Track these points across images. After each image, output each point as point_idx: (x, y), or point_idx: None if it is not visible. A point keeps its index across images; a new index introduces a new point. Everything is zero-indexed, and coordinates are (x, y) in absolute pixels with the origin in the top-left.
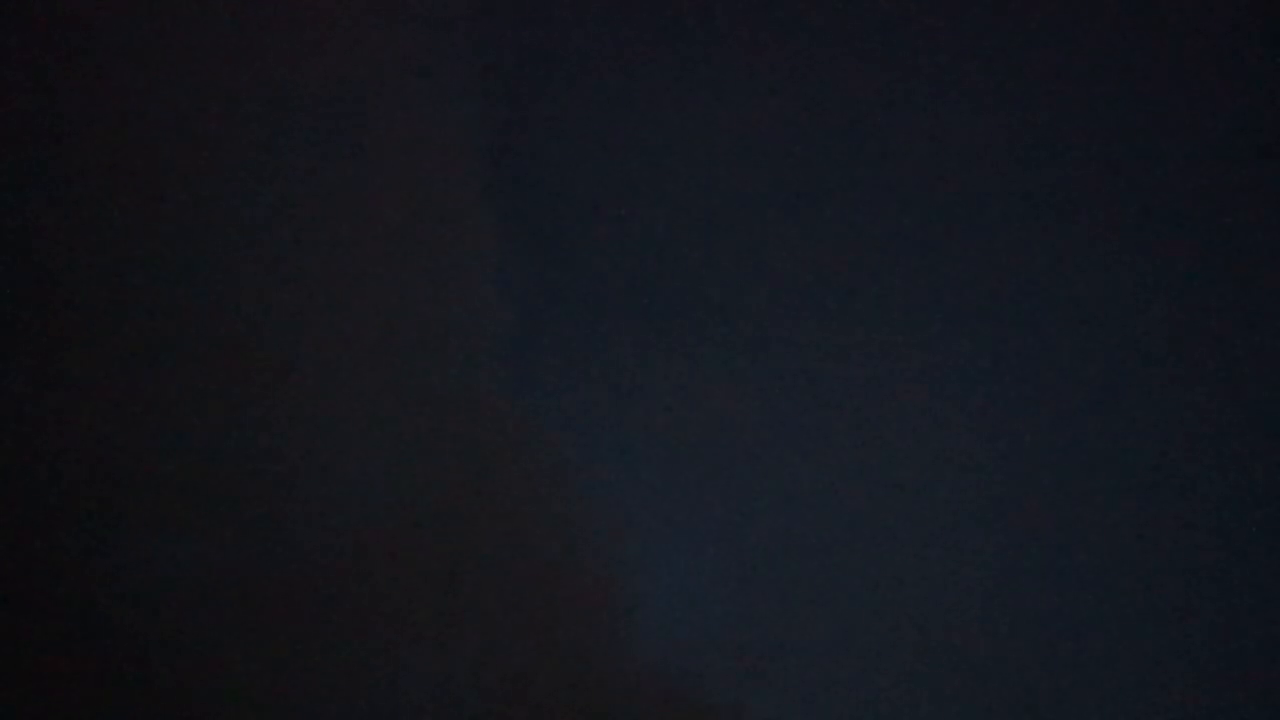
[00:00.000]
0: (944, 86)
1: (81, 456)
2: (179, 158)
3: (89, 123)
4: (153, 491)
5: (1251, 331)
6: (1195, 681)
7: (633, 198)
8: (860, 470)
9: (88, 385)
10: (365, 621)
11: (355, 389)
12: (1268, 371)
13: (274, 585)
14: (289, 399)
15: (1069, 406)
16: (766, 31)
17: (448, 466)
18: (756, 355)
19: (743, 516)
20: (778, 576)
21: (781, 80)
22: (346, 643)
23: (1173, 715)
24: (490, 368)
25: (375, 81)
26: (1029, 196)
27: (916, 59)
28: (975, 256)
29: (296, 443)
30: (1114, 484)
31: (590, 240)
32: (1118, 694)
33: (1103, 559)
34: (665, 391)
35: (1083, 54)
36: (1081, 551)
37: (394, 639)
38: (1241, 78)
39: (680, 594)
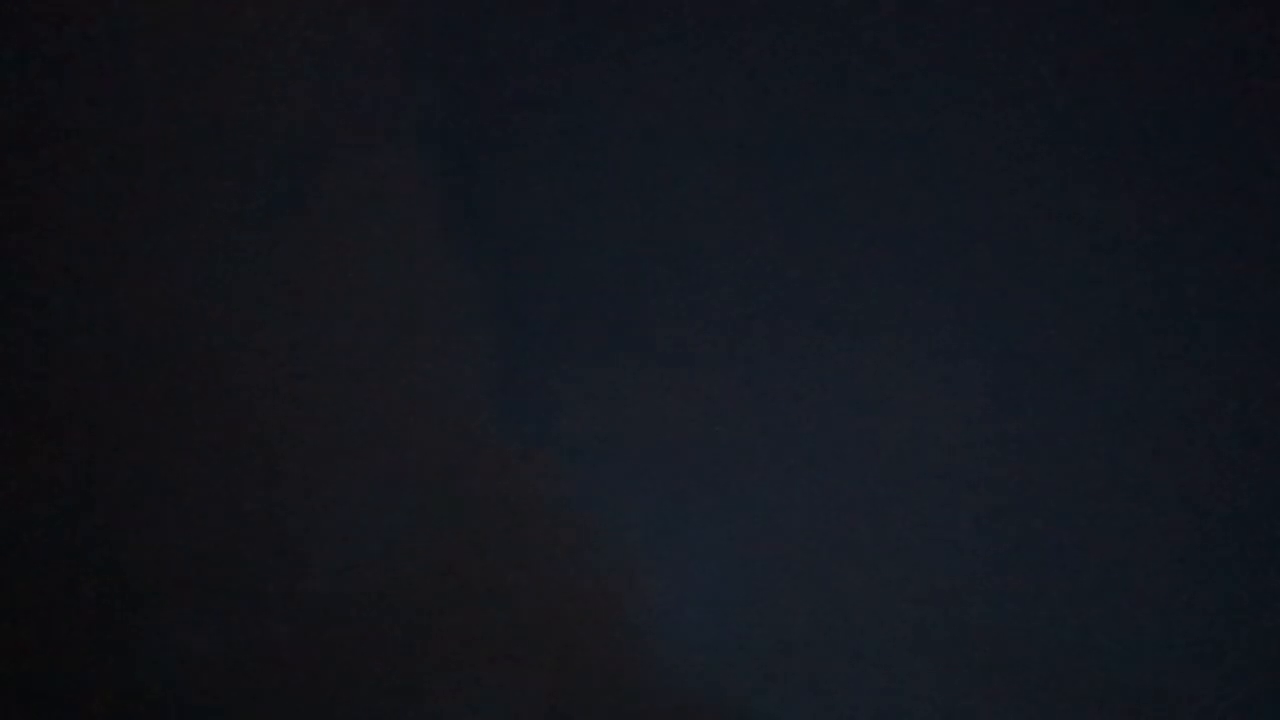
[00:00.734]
0: (932, 81)
1: (96, 542)
2: (144, 214)
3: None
4: (167, 574)
5: (1253, 329)
6: (1202, 688)
7: (601, 209)
8: (863, 469)
9: (98, 469)
10: (389, 679)
11: (350, 449)
12: (1268, 369)
13: (293, 654)
14: (290, 469)
15: (1075, 407)
16: (724, 42)
17: (452, 514)
18: (749, 358)
19: (748, 522)
20: (789, 580)
21: (751, 83)
22: (372, 704)
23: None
24: (476, 403)
25: (330, 122)
26: (1026, 194)
27: (897, 51)
28: (974, 254)
29: (302, 511)
30: (1123, 487)
31: (560, 257)
32: (1124, 692)
33: (1113, 562)
34: (656, 400)
35: (1083, 52)
36: (1092, 553)
37: (419, 691)
38: (1242, 77)
39: (692, 604)
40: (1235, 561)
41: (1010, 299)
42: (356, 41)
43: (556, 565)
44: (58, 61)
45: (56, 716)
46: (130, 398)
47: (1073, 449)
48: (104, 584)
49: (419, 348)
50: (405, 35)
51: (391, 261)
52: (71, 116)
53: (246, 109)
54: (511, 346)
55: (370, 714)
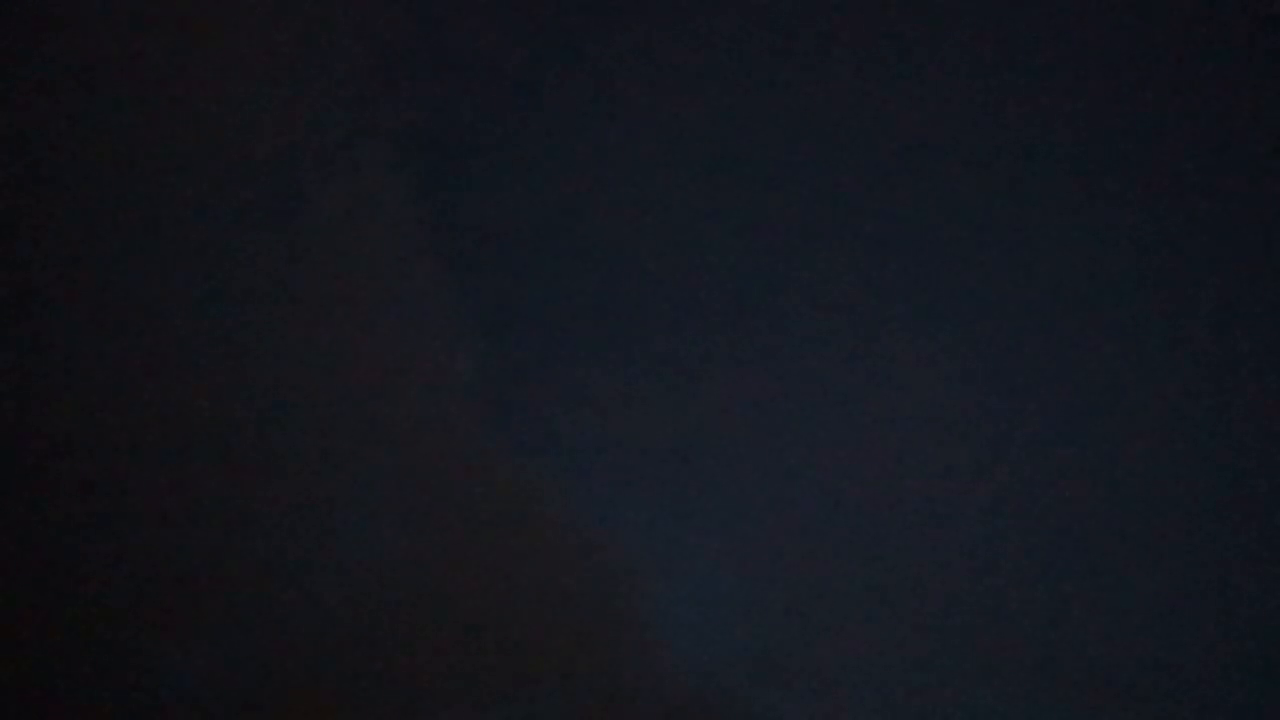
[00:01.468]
0: (928, 76)
1: (89, 553)
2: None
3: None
4: (158, 598)
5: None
6: (1199, 684)
7: (589, 211)
8: (858, 467)
9: (90, 478)
10: (387, 688)
11: (341, 457)
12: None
13: (288, 664)
14: (282, 477)
15: (1070, 405)
16: (709, 44)
17: (446, 520)
18: (743, 359)
19: (744, 523)
20: (786, 581)
21: (740, 82)
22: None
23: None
24: (468, 409)
25: (314, 129)
26: (1024, 190)
27: (887, 47)
28: (967, 251)
29: (295, 520)
30: (1121, 480)
31: (549, 261)
32: (1124, 688)
33: (1113, 557)
34: (649, 403)
35: (1083, 50)
36: (1092, 549)
37: (416, 699)
38: (1242, 77)
39: (689, 605)
40: (1234, 558)
41: (1006, 293)
42: (339, 49)
43: (552, 568)
44: (41, 72)
45: None
46: (120, 407)
47: (1069, 447)
48: (98, 595)
49: (409, 354)
50: (388, 42)
51: (379, 268)
52: (55, 125)
53: (229, 117)
54: (502, 351)
55: None
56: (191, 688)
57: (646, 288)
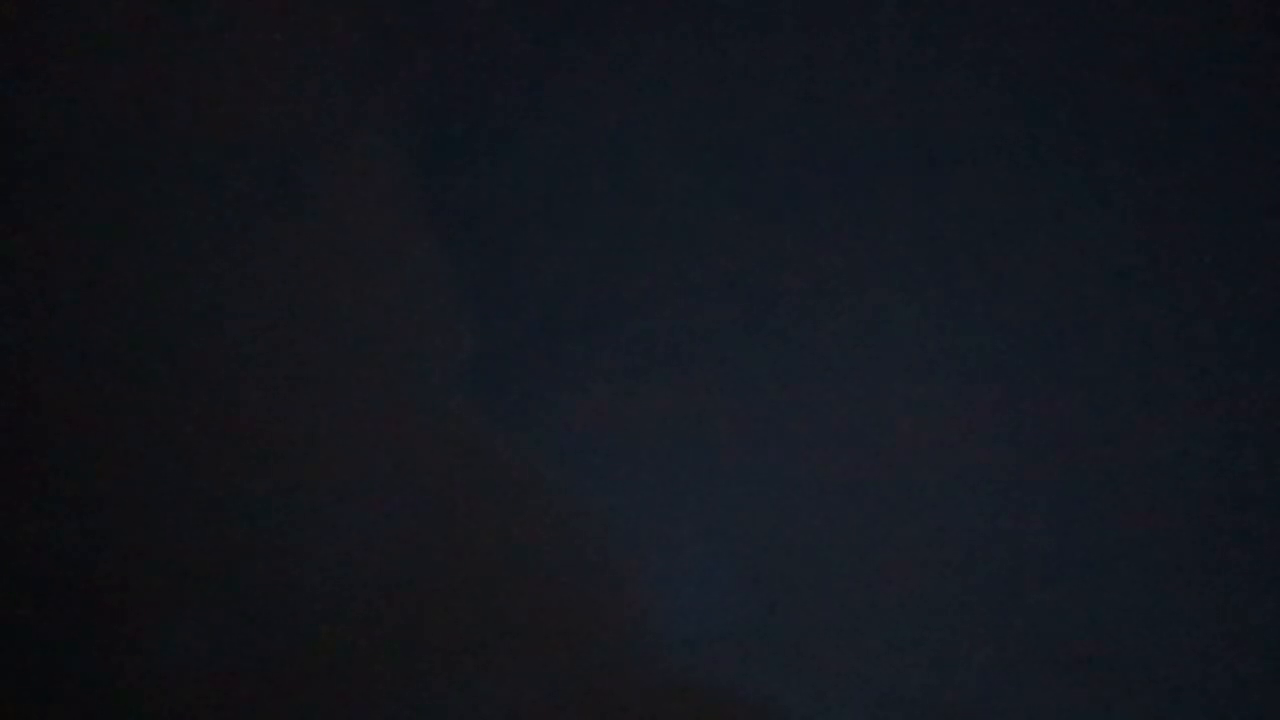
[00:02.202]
0: (925, 72)
1: (86, 543)
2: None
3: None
4: (156, 573)
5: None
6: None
7: (583, 198)
8: (857, 450)
9: (86, 469)
10: (385, 674)
11: (336, 445)
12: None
13: (284, 652)
14: (277, 466)
15: (1074, 395)
16: (707, 30)
17: (442, 507)
18: (740, 346)
19: (742, 510)
20: (784, 567)
21: (739, 70)
22: (365, 701)
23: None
24: (465, 405)
25: (309, 118)
26: (1022, 186)
27: (884, 42)
28: (961, 245)
29: (291, 509)
30: (1125, 473)
31: (543, 248)
32: (1120, 672)
33: (1105, 543)
34: (645, 390)
35: (1083, 49)
36: (1088, 537)
37: (414, 686)
38: (1243, 77)
39: (687, 591)
40: (1233, 546)
41: (1001, 286)
42: (335, 31)
43: (547, 549)
44: (34, 55)
45: (49, 716)
46: (113, 396)
47: (1064, 436)
48: (95, 584)
49: (404, 342)
50: (385, 24)
51: (375, 250)
52: (46, 109)
53: (225, 100)
54: (498, 333)
55: (367, 709)
56: (184, 666)
57: (643, 270)
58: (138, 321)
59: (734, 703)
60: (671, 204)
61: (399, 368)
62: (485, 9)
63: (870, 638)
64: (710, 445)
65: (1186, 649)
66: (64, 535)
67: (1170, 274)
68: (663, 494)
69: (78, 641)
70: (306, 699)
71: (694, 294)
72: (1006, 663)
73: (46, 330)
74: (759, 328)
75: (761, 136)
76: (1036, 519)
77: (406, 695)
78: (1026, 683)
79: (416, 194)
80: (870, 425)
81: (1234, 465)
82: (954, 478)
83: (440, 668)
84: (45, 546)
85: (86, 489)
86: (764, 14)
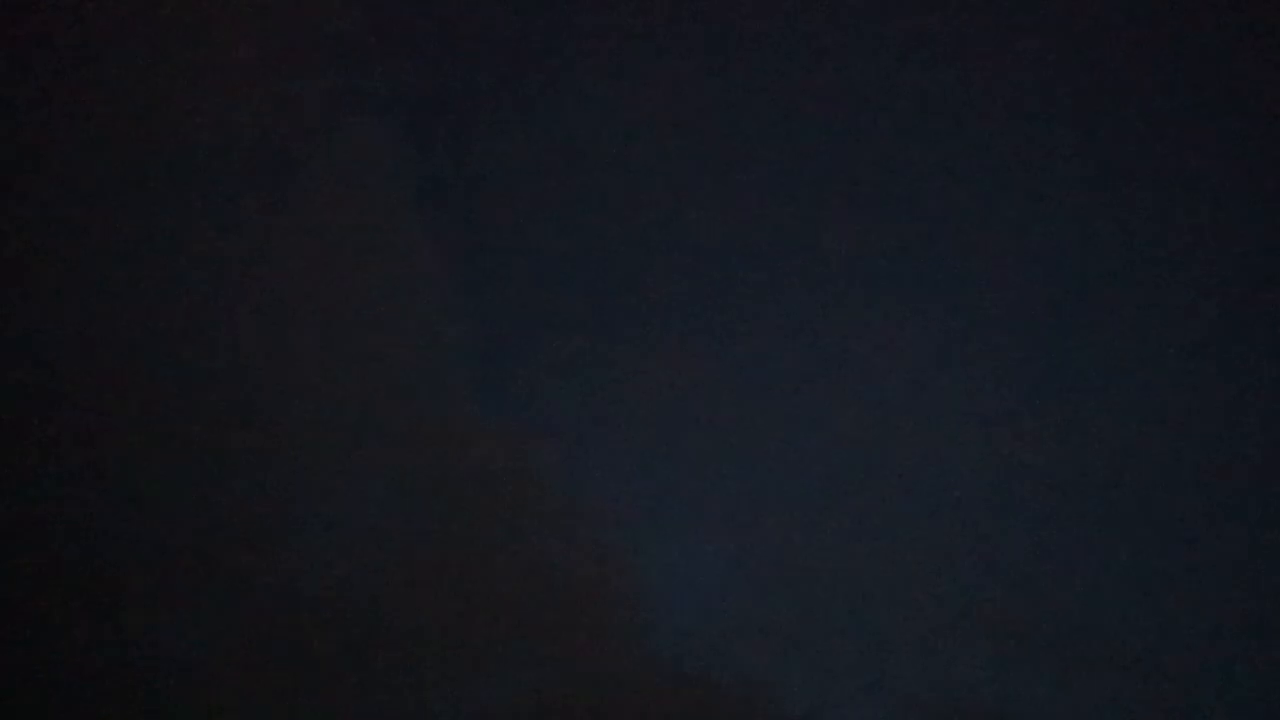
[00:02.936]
0: (924, 67)
1: (78, 539)
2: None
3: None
4: (151, 569)
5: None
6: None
7: (581, 187)
8: (856, 438)
9: (79, 464)
10: (381, 666)
11: (332, 438)
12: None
13: (278, 647)
14: (272, 459)
15: (1075, 389)
16: (704, 21)
17: (438, 500)
18: (739, 335)
19: (739, 499)
20: (781, 557)
21: (738, 59)
22: (364, 694)
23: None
24: (461, 395)
25: (305, 106)
26: (1023, 181)
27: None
28: (958, 239)
29: (281, 503)
30: (1125, 470)
31: (541, 236)
32: (1121, 658)
33: (1102, 531)
34: (643, 380)
35: (1085, 42)
36: (1084, 526)
37: (411, 681)
38: (1243, 77)
39: (684, 582)
40: (1233, 540)
41: (1001, 282)
42: (326, 12)
43: (542, 538)
44: (18, 41)
45: (41, 713)
46: (107, 394)
47: (1065, 430)
48: (87, 580)
49: (400, 333)
50: (375, 4)
51: (367, 236)
52: (42, 112)
53: (215, 83)
54: (493, 320)
55: (365, 703)
56: (181, 657)
57: (640, 257)
58: (131, 319)
59: (731, 693)
60: (670, 196)
61: (394, 362)
62: None
63: (867, 628)
64: (708, 438)
65: (1188, 648)
66: (60, 535)
67: (1170, 274)
68: (660, 486)
69: (75, 640)
70: (305, 696)
71: (692, 287)
72: (1003, 653)
73: (39, 327)
74: (756, 320)
75: (761, 125)
76: (1036, 510)
77: (405, 688)
78: (1023, 673)
79: (412, 187)
80: (868, 416)
81: (1234, 465)
82: (952, 469)
83: (438, 662)
84: (40, 546)
85: (82, 486)
86: (765, 6)
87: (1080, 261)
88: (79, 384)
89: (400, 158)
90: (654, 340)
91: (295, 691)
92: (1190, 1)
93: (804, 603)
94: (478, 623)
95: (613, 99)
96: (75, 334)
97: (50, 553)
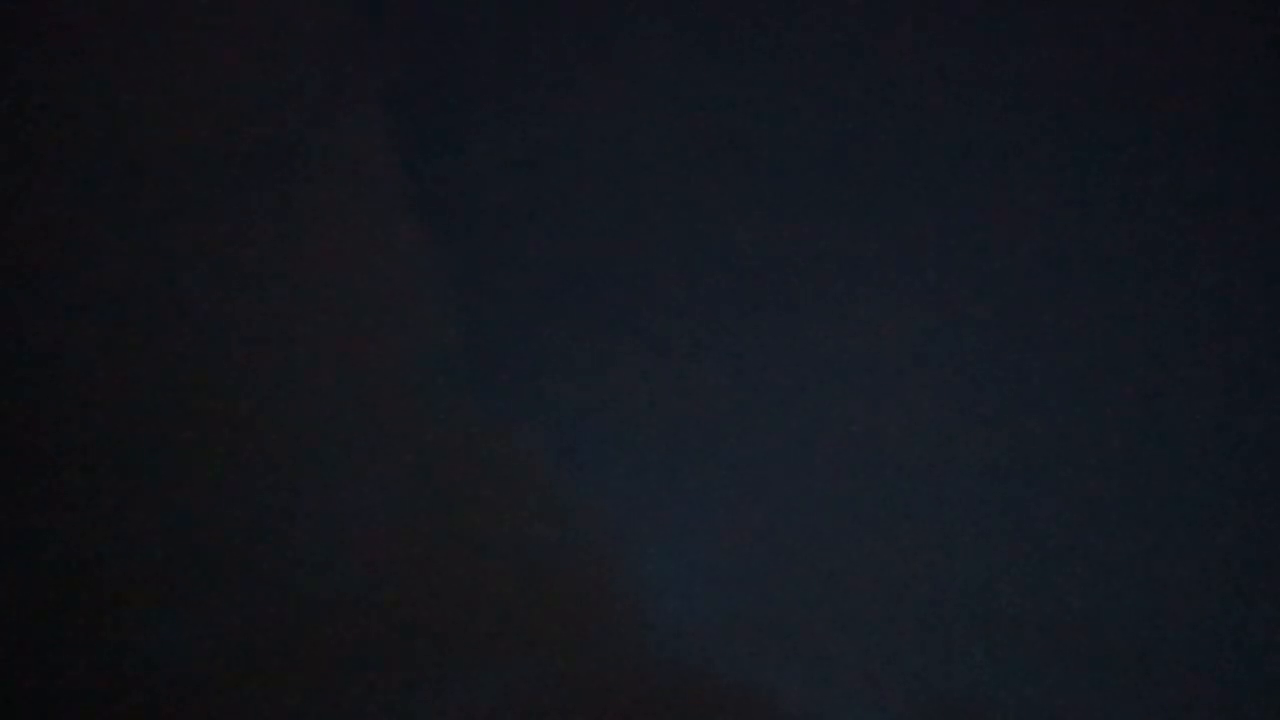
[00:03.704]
0: (923, 66)
1: (75, 540)
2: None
3: None
4: (147, 570)
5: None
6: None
7: (579, 183)
8: (853, 436)
9: (76, 465)
10: (378, 674)
11: (329, 436)
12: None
13: (277, 649)
14: (269, 458)
15: (1075, 388)
16: (692, 30)
17: (436, 497)
18: (736, 332)
19: (736, 495)
20: (779, 553)
21: (736, 58)
22: (358, 692)
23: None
24: (457, 394)
25: (296, 101)
26: (1024, 181)
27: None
28: (956, 239)
29: (277, 502)
30: (1125, 468)
31: (538, 233)
32: (1116, 655)
33: (1097, 528)
34: (641, 377)
35: (1084, 42)
36: (1078, 521)
37: (405, 679)
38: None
39: (682, 578)
40: (1234, 540)
41: (999, 279)
42: (324, 21)
43: (538, 537)
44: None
45: (37, 715)
46: (102, 392)
47: (1061, 426)
48: (84, 581)
49: (395, 332)
50: (372, 13)
51: (360, 232)
52: (33, 108)
53: (206, 76)
54: (488, 317)
55: (359, 701)
56: (179, 658)
57: (636, 254)
58: (124, 319)
59: (728, 692)
60: (668, 194)
61: (390, 361)
62: None
63: (867, 627)
64: (706, 436)
65: (1188, 648)
66: (54, 534)
67: (1170, 274)
68: (658, 485)
69: (72, 642)
70: (300, 695)
71: (690, 285)
72: (1003, 653)
73: (34, 329)
74: (755, 318)
75: (760, 123)
76: (1036, 510)
77: (399, 686)
78: (1023, 671)
79: (407, 185)
80: (867, 415)
81: (1235, 465)
82: (952, 468)
83: (432, 660)
84: (37, 547)
85: (78, 487)
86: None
87: (1081, 262)
88: (75, 385)
89: (396, 154)
90: (652, 338)
91: (291, 691)
92: (1191, 2)
93: (802, 601)
94: (474, 621)
95: (611, 95)
96: (69, 336)
97: (49, 555)
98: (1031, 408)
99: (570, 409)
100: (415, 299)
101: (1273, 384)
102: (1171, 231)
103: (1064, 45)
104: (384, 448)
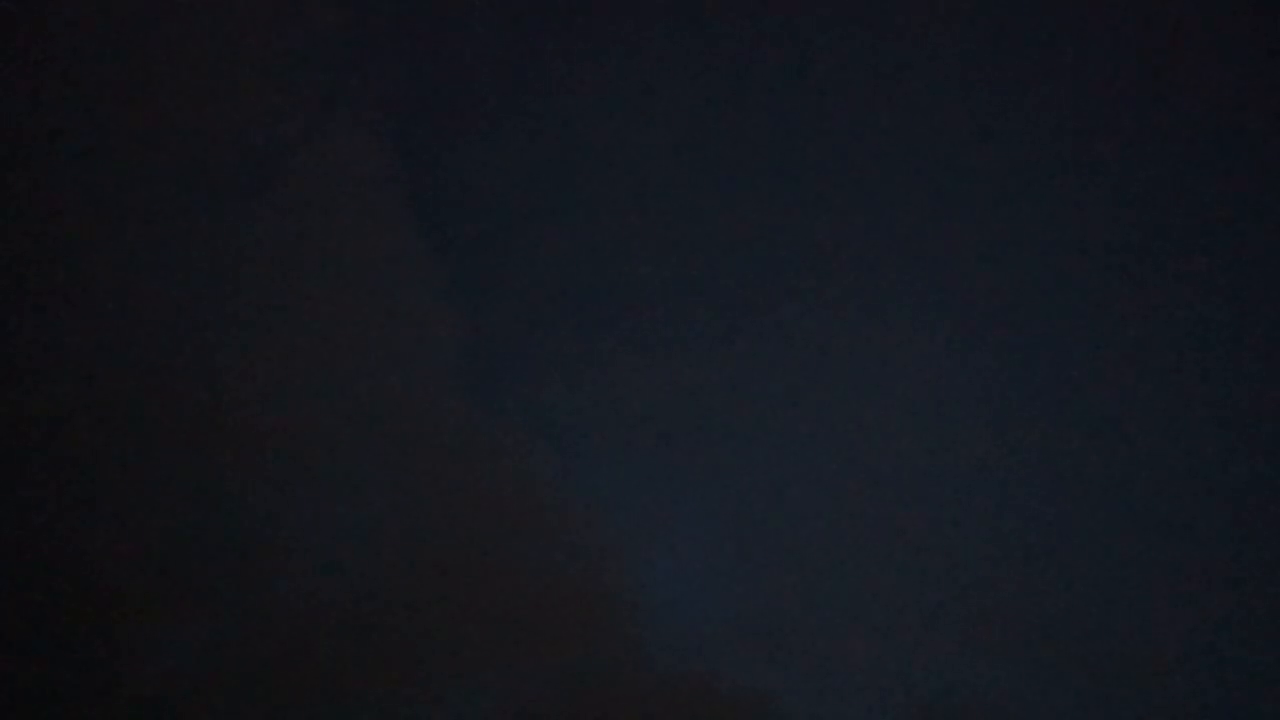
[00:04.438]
0: (930, 73)
1: (71, 547)
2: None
3: None
4: (148, 577)
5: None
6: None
7: (578, 188)
8: (851, 443)
9: (71, 472)
10: (375, 673)
11: (326, 442)
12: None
13: (274, 656)
14: (266, 464)
15: (1074, 388)
16: (685, 34)
17: (433, 503)
18: (736, 338)
19: (736, 499)
20: (778, 556)
21: (736, 56)
22: (360, 696)
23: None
24: (456, 399)
25: (279, 111)
26: (1024, 184)
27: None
28: (954, 240)
29: (278, 510)
30: (1123, 469)
31: (537, 237)
32: (1110, 652)
33: (1096, 528)
34: (640, 381)
35: (1083, 45)
36: (1075, 522)
37: (408, 683)
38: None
39: (682, 581)
40: (1234, 542)
41: (999, 282)
42: (311, 14)
43: (540, 541)
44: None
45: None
46: (100, 394)
47: (1061, 427)
48: (80, 588)
49: (392, 326)
50: (361, 5)
51: (359, 239)
52: (30, 114)
53: (201, 86)
54: (488, 323)
55: (361, 705)
56: (181, 666)
57: (635, 260)
58: (121, 326)
59: (730, 695)
60: (664, 196)
61: (389, 366)
62: None
63: (867, 629)
64: (704, 437)
65: (1187, 648)
66: (52, 534)
67: (1169, 273)
68: (659, 489)
69: (72, 647)
70: (303, 698)
71: (687, 286)
72: (1003, 653)
73: (31, 337)
74: (752, 319)
75: (755, 124)
76: (1036, 511)
77: (402, 690)
78: (1023, 673)
79: (403, 190)
80: (868, 420)
81: (1234, 465)
82: (953, 471)
83: (435, 664)
84: (45, 548)
85: (74, 487)
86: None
87: (1082, 263)
88: (73, 391)
89: (390, 161)
90: (650, 343)
91: (293, 693)
92: (1190, 3)
93: (803, 604)
94: (475, 626)
95: (604, 100)
96: (68, 343)
97: (47, 560)
98: (1031, 411)
99: (573, 417)
100: (415, 309)
101: (1273, 387)
102: (1172, 232)
103: (1064, 45)
104: (384, 454)
